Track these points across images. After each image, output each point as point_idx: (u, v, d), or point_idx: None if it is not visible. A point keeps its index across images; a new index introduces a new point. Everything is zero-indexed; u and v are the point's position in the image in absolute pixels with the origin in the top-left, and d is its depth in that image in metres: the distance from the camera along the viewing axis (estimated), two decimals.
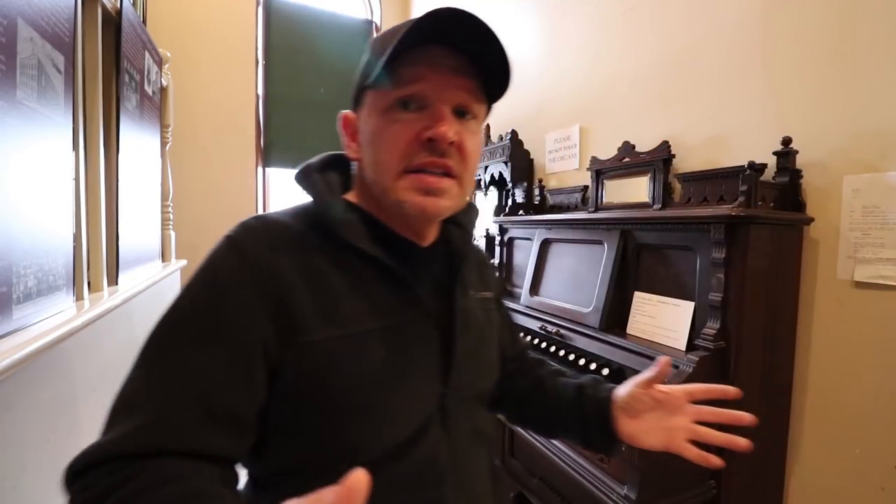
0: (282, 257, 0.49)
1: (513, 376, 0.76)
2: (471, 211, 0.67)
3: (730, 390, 0.64)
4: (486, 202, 2.66)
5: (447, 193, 0.53)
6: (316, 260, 0.50)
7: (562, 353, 1.52)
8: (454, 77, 0.52)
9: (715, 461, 0.59)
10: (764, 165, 1.24)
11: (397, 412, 0.51)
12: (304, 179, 0.56)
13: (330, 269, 0.51)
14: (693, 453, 0.61)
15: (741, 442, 0.59)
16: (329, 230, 0.52)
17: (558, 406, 0.69)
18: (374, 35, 0.54)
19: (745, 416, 0.60)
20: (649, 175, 1.61)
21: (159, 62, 2.31)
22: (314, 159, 0.59)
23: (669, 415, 0.63)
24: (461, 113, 0.53)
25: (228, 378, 0.45)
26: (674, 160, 1.56)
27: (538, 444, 1.35)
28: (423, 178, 0.51)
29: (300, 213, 0.55)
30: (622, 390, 0.64)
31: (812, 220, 1.24)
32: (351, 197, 0.59)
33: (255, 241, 0.49)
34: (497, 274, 0.66)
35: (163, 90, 2.43)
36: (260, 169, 3.54)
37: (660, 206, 1.55)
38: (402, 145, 0.51)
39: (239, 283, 0.47)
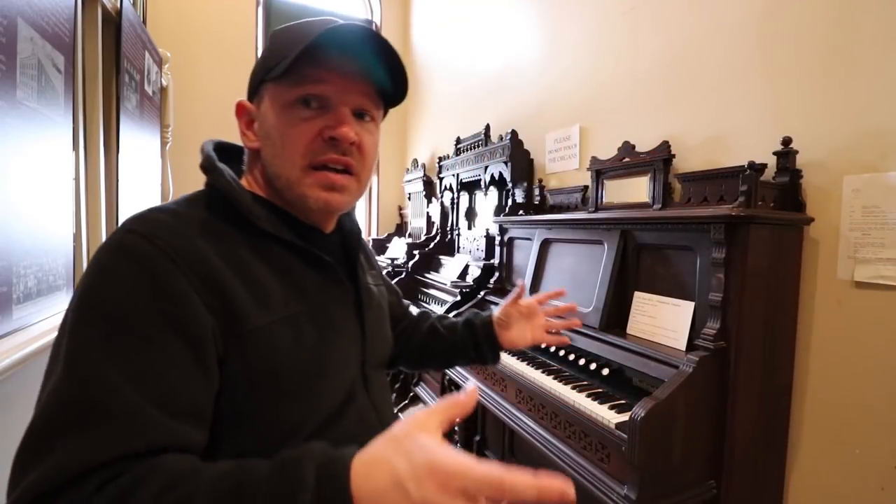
0: (203, 247, 0.49)
1: (406, 333, 0.88)
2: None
3: (560, 291, 0.90)
4: (486, 202, 2.66)
5: (348, 189, 0.57)
6: (236, 249, 0.52)
7: (562, 353, 1.52)
8: (355, 82, 0.56)
9: (563, 340, 0.88)
10: (764, 165, 1.24)
11: (332, 383, 0.56)
12: (211, 170, 0.55)
13: (251, 258, 0.52)
14: (549, 339, 0.85)
15: (574, 322, 0.90)
16: (241, 220, 0.53)
17: (454, 342, 0.86)
18: (278, 28, 0.59)
19: (574, 306, 0.90)
20: (649, 175, 1.61)
21: (159, 62, 2.31)
22: (209, 149, 0.58)
23: (530, 320, 0.85)
24: (360, 114, 0.58)
25: (185, 371, 0.44)
26: (674, 160, 1.56)
27: (538, 444, 1.35)
28: (327, 176, 0.55)
29: (196, 203, 0.54)
30: (496, 312, 0.87)
31: (812, 220, 1.24)
32: (246, 185, 0.60)
33: (169, 232, 0.48)
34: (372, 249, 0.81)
35: (163, 90, 2.43)
36: None
37: (660, 206, 1.55)
38: (305, 142, 0.54)
39: (170, 274, 0.45)
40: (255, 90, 0.59)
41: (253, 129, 0.59)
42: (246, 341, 0.48)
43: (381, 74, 0.59)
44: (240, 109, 0.60)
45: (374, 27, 4.40)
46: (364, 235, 3.97)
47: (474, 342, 0.85)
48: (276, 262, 0.54)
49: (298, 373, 0.52)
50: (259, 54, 3.40)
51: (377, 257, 4.28)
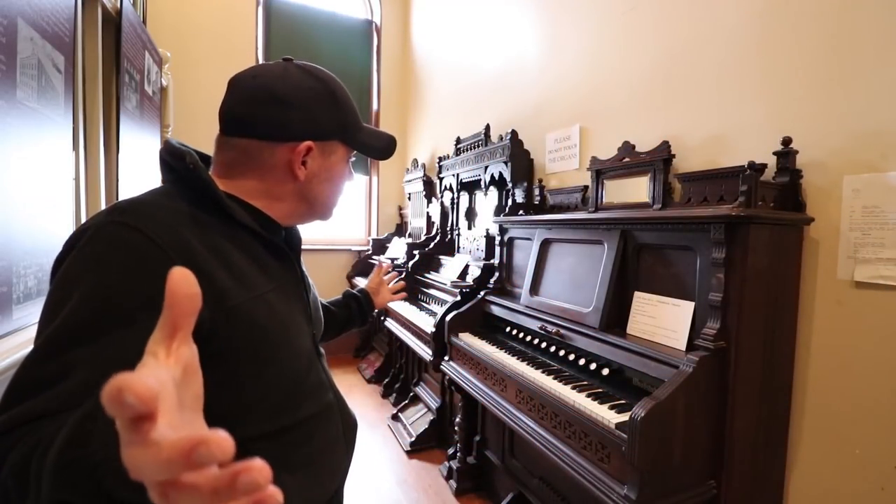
0: (187, 235, 0.56)
1: None
2: None
3: (387, 264, 1.27)
4: (486, 202, 2.66)
5: None
6: (214, 237, 0.59)
7: (562, 353, 1.52)
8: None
9: (402, 294, 1.29)
10: (764, 165, 1.24)
11: (295, 348, 0.67)
12: (200, 171, 0.61)
13: (226, 244, 0.60)
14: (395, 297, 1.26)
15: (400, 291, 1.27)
16: (212, 208, 0.61)
17: (346, 314, 1.12)
18: (343, 94, 0.71)
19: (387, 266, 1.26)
20: (649, 175, 1.61)
21: (159, 62, 2.31)
22: (190, 150, 0.63)
23: (387, 290, 1.23)
24: None
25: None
26: (674, 160, 1.56)
27: (538, 444, 1.35)
28: None
29: (173, 195, 0.60)
30: (366, 284, 1.22)
31: (812, 220, 1.24)
32: (225, 187, 0.67)
33: (155, 222, 0.54)
34: None
35: (163, 90, 2.43)
36: None
37: (660, 206, 1.55)
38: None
39: (159, 262, 0.51)
40: (324, 136, 0.70)
41: (307, 167, 0.69)
42: (230, 316, 0.56)
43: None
44: (307, 148, 0.68)
45: (374, 27, 4.40)
46: (367, 236, 4.02)
47: (359, 307, 1.15)
48: (246, 248, 0.63)
49: (272, 341, 0.61)
50: (259, 54, 3.37)
51: (378, 257, 4.26)
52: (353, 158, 0.78)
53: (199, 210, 0.60)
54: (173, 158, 0.62)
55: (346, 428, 0.75)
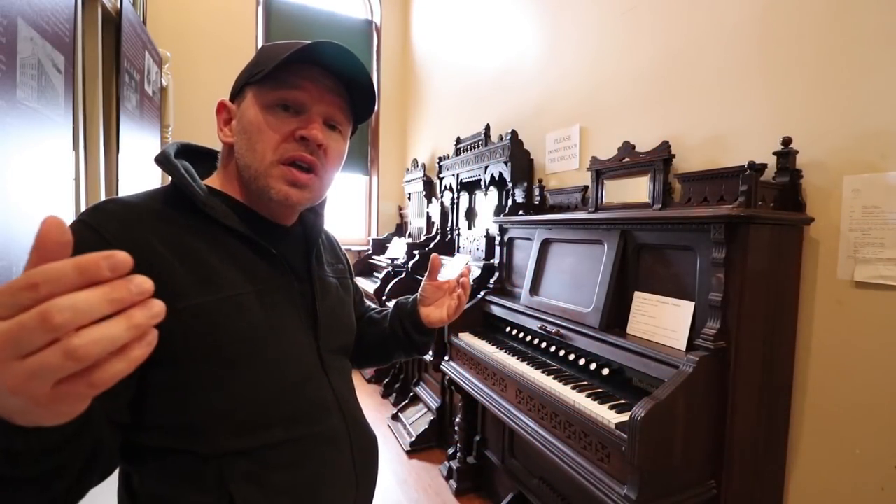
0: (143, 232, 0.54)
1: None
2: (325, 201, 0.78)
3: (464, 271, 0.88)
4: (486, 202, 2.66)
5: (309, 188, 0.63)
6: (182, 235, 0.56)
7: (562, 353, 1.52)
8: (329, 94, 0.63)
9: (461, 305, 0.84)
10: (764, 165, 1.24)
11: (279, 357, 0.60)
12: (166, 163, 0.60)
13: (198, 243, 0.57)
14: (452, 310, 0.83)
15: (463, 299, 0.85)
16: (195, 209, 0.58)
17: (385, 326, 0.87)
18: (267, 44, 0.67)
19: (466, 283, 0.86)
20: (649, 175, 1.61)
21: (159, 62, 2.31)
22: (168, 147, 0.64)
23: (447, 297, 0.85)
24: (330, 125, 0.65)
25: None
26: (674, 160, 1.56)
27: (538, 444, 1.35)
28: (293, 172, 0.61)
29: (156, 195, 0.60)
30: (419, 290, 0.88)
31: (812, 220, 1.24)
32: (214, 182, 0.66)
33: (109, 219, 0.53)
34: (344, 249, 0.88)
35: (163, 90, 2.43)
36: None
37: (660, 206, 1.55)
38: (278, 139, 0.61)
39: None
40: (237, 92, 0.65)
41: (230, 125, 0.65)
42: (184, 317, 0.52)
43: (353, 92, 0.67)
44: (220, 107, 0.66)
45: (374, 27, 4.40)
46: (365, 235, 3.96)
47: (400, 320, 0.85)
48: (227, 249, 0.59)
49: (241, 346, 0.57)
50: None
51: (378, 257, 4.23)
52: (283, 96, 0.61)
53: (175, 209, 0.58)
54: (157, 156, 0.62)
55: (359, 455, 0.67)
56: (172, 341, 0.52)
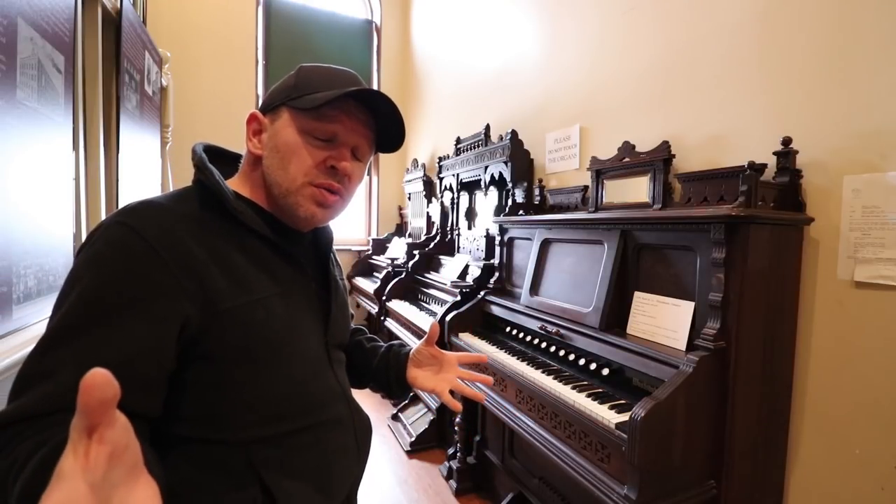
0: (188, 239, 0.56)
1: None
2: None
3: (482, 357, 0.91)
4: (486, 202, 2.66)
5: (333, 208, 0.69)
6: (215, 238, 0.59)
7: (562, 353, 1.52)
8: (361, 127, 0.68)
9: (457, 406, 0.80)
10: (764, 165, 1.24)
11: (300, 355, 0.65)
12: (204, 169, 0.63)
13: (229, 246, 0.60)
14: (446, 398, 0.81)
15: (480, 395, 0.87)
16: (223, 212, 0.61)
17: (371, 361, 0.88)
18: (306, 65, 0.71)
19: (489, 379, 0.88)
20: (649, 175, 1.61)
21: (159, 62, 2.31)
22: (200, 150, 0.67)
23: (443, 370, 0.85)
24: (355, 154, 0.69)
25: (140, 348, 0.51)
26: (674, 160, 1.56)
27: (538, 444, 1.35)
28: (323, 194, 0.66)
29: (185, 197, 0.62)
30: (415, 348, 0.87)
31: (812, 220, 1.24)
32: (238, 186, 0.69)
33: (149, 222, 0.55)
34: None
35: (163, 90, 2.43)
36: None
37: (660, 206, 1.55)
38: (311, 164, 0.65)
39: (149, 265, 0.52)
40: (271, 107, 0.67)
41: (260, 138, 0.67)
42: (223, 319, 0.56)
43: (380, 127, 0.71)
44: (252, 118, 0.68)
45: (374, 27, 4.40)
46: (367, 236, 3.98)
47: (386, 367, 0.87)
48: (253, 252, 0.63)
49: (269, 346, 0.61)
50: (259, 54, 3.40)
51: (378, 257, 4.25)
52: (321, 128, 0.65)
53: (206, 212, 0.61)
54: (193, 158, 0.64)
55: (361, 436, 0.74)
56: (210, 342, 0.56)
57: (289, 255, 0.67)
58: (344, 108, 0.66)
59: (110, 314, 0.50)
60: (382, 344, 0.92)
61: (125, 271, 0.52)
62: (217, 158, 0.71)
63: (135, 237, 0.53)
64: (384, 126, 0.71)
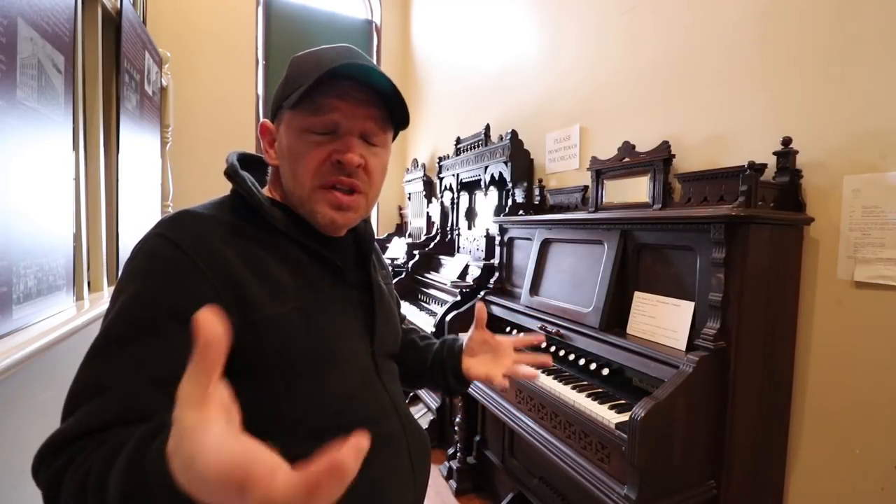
0: (224, 248, 0.55)
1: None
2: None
3: (540, 336, 0.85)
4: (486, 202, 2.66)
5: (354, 208, 0.63)
6: (251, 246, 0.58)
7: (562, 353, 1.52)
8: (363, 107, 0.61)
9: (504, 384, 0.77)
10: (764, 165, 1.24)
11: (343, 365, 0.61)
12: (235, 176, 0.62)
13: (265, 254, 0.58)
14: (498, 381, 0.76)
15: (534, 374, 0.79)
16: (259, 220, 0.60)
17: (426, 358, 0.83)
18: (296, 55, 0.65)
19: (548, 360, 0.81)
20: (649, 175, 1.61)
21: (159, 62, 2.31)
22: (233, 159, 0.65)
23: (498, 357, 0.80)
24: (367, 138, 0.63)
25: (186, 356, 0.48)
26: (674, 160, 1.56)
27: (538, 444, 1.35)
28: (336, 196, 0.61)
29: (222, 206, 0.61)
30: (466, 338, 0.83)
31: (812, 220, 1.24)
32: (269, 192, 0.67)
33: (186, 233, 0.54)
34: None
35: (163, 90, 2.43)
36: None
37: (660, 206, 1.55)
38: (315, 164, 0.60)
39: (189, 275, 0.52)
40: (275, 113, 0.65)
41: (275, 147, 0.65)
42: (260, 328, 0.54)
43: (387, 100, 0.63)
44: (263, 130, 0.66)
45: (374, 27, 4.40)
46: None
47: (441, 363, 0.82)
48: (291, 259, 0.60)
49: (309, 357, 0.58)
50: (259, 54, 3.39)
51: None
52: (315, 122, 0.60)
53: (242, 220, 0.59)
54: (227, 171, 0.63)
55: (416, 456, 0.68)
56: (250, 353, 0.53)
57: (327, 261, 0.63)
58: (337, 91, 0.59)
59: (153, 325, 0.50)
60: (435, 340, 0.88)
61: (164, 283, 0.52)
62: (254, 166, 0.69)
63: (172, 248, 0.53)
64: (395, 101, 0.63)
